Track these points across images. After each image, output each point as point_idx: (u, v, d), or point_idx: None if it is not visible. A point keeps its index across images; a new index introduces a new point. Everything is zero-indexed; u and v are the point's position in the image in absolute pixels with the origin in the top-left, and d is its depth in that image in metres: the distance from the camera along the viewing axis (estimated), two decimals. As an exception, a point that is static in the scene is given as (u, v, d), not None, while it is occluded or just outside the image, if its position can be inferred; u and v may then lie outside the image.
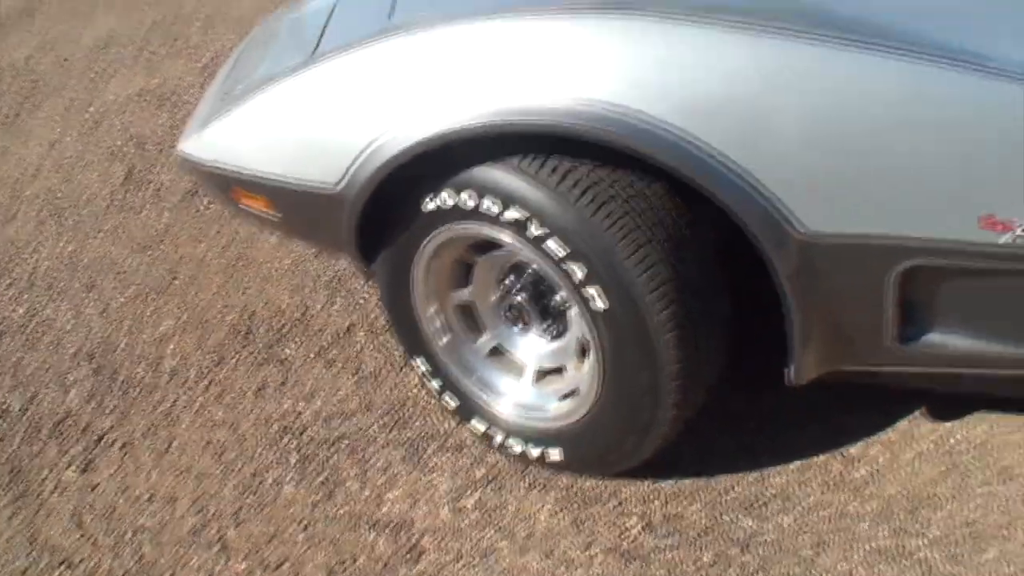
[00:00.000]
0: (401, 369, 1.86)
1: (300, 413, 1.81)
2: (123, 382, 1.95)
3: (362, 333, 1.98)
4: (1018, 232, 1.22)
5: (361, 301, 2.04)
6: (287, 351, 1.95)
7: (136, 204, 2.50)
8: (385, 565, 1.51)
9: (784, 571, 1.46)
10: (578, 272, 1.33)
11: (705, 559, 1.51)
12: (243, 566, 1.56)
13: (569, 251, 1.32)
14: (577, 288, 1.35)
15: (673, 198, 1.32)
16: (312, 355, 1.95)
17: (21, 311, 2.21)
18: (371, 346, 1.94)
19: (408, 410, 1.79)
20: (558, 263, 1.34)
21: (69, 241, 2.42)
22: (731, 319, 1.42)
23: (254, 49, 1.82)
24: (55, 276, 2.30)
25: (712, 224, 1.33)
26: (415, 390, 1.82)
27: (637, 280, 1.30)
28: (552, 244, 1.33)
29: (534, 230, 1.33)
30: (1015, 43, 1.18)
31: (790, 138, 1.20)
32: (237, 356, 1.96)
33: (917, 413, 1.68)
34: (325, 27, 1.65)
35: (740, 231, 1.25)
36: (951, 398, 1.61)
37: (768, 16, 1.21)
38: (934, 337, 1.43)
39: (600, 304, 1.34)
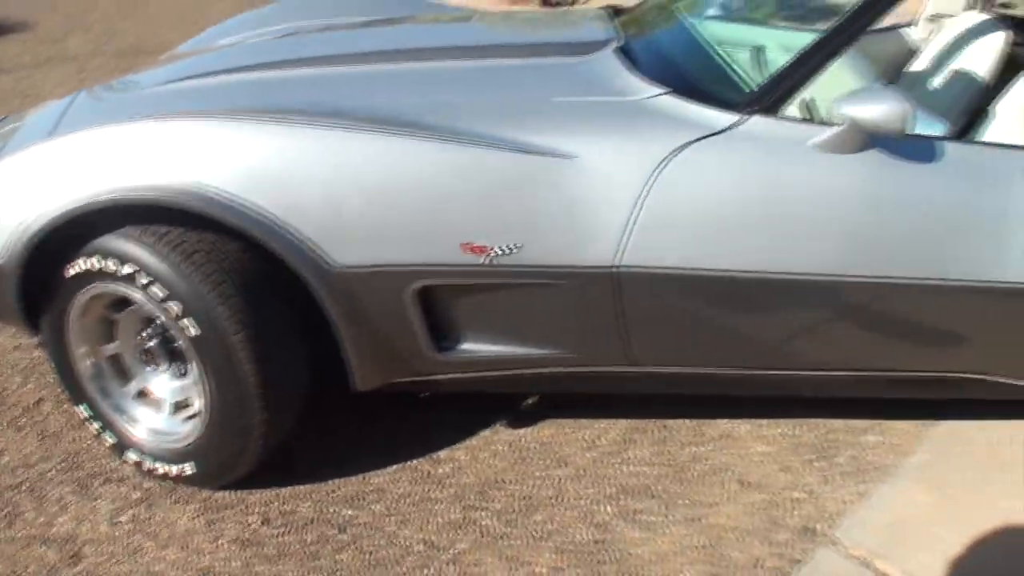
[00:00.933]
0: (80, 426, 2.26)
1: None
2: None
3: (49, 404, 2.38)
4: (494, 254, 1.81)
5: (51, 381, 2.44)
6: None
7: None
8: (51, 568, 1.88)
9: (373, 544, 1.93)
10: (175, 308, 1.82)
11: (309, 539, 1.96)
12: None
13: (168, 293, 1.82)
14: (176, 321, 1.84)
15: (245, 250, 1.84)
16: (4, 424, 2.32)
17: None
18: (56, 413, 2.34)
19: (82, 456, 2.19)
20: (161, 303, 1.83)
21: None
22: (301, 338, 1.91)
23: None
24: None
25: (276, 266, 1.84)
26: (89, 441, 2.23)
27: (217, 310, 1.80)
28: (155, 289, 1.82)
29: (142, 280, 1.82)
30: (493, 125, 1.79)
31: (317, 198, 1.76)
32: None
33: (497, 423, 2.24)
34: (9, 139, 2.13)
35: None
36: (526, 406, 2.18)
37: (298, 114, 1.80)
38: (466, 346, 1.99)
39: (194, 332, 1.83)
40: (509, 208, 1.75)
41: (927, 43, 2.79)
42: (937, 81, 2.59)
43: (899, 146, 1.79)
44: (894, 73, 2.84)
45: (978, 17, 2.64)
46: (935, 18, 2.89)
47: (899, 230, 1.77)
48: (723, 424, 2.29)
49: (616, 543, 1.91)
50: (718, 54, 2.07)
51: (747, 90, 1.87)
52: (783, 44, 2.26)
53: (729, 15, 2.54)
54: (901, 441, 2.26)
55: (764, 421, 2.30)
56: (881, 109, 1.67)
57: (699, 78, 1.96)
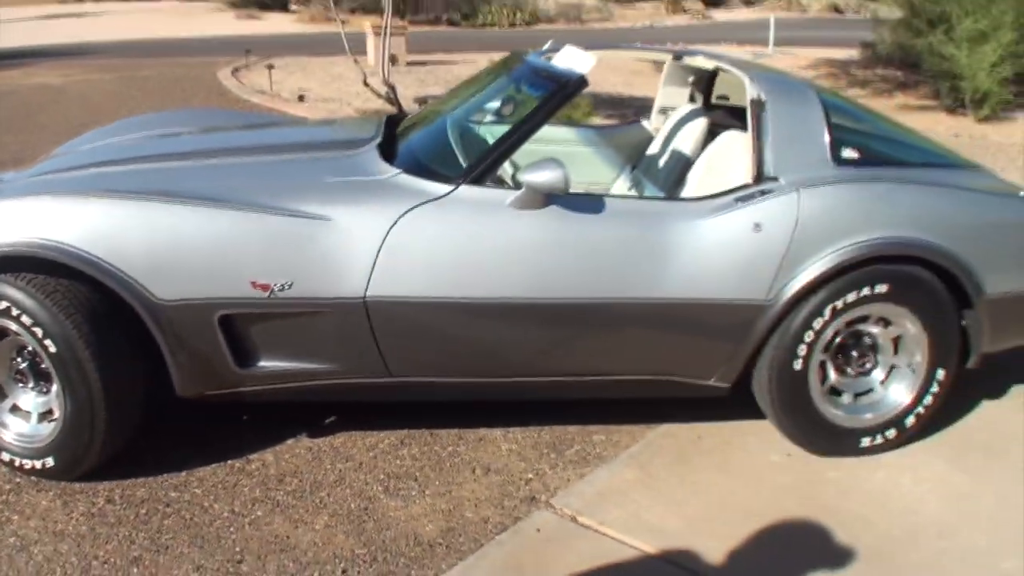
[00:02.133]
0: None
1: None
2: None
3: None
4: (274, 290, 2.59)
5: None
6: None
7: None
8: None
9: (191, 513, 2.59)
10: (39, 332, 2.54)
11: (142, 512, 2.61)
12: None
13: (34, 320, 2.54)
14: (40, 342, 2.57)
15: (93, 290, 2.54)
16: None
17: None
18: None
19: None
20: (28, 328, 2.56)
21: None
22: (136, 355, 2.61)
23: None
24: None
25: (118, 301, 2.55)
26: None
27: (71, 333, 2.52)
28: (25, 318, 2.54)
29: (14, 311, 2.55)
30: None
31: (142, 250, 2.49)
32: None
33: (301, 433, 2.99)
34: None
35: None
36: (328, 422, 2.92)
37: (128, 192, 2.58)
38: (262, 363, 2.72)
39: (53, 349, 2.55)
40: (283, 255, 2.53)
41: (658, 131, 3.72)
42: (662, 158, 3.50)
43: (569, 201, 2.62)
44: (637, 156, 3.76)
45: (690, 107, 3.58)
46: (663, 110, 3.83)
47: (571, 263, 2.59)
48: (481, 431, 3.03)
49: (378, 509, 2.63)
50: (449, 144, 2.92)
51: (458, 167, 2.71)
52: (496, 135, 3.13)
53: (478, 118, 3.42)
54: (622, 439, 3.02)
55: (514, 427, 3.05)
56: (545, 176, 2.52)
57: (429, 161, 2.80)
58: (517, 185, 2.55)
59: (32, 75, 13.36)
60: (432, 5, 26.85)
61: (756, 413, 2.92)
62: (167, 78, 12.59)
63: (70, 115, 9.36)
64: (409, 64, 13.18)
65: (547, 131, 3.60)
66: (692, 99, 3.74)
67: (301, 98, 10.08)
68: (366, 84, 8.41)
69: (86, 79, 12.80)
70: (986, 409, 3.20)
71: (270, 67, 11.45)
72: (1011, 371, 3.44)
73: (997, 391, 3.33)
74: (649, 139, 3.85)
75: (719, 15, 31.00)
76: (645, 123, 4.00)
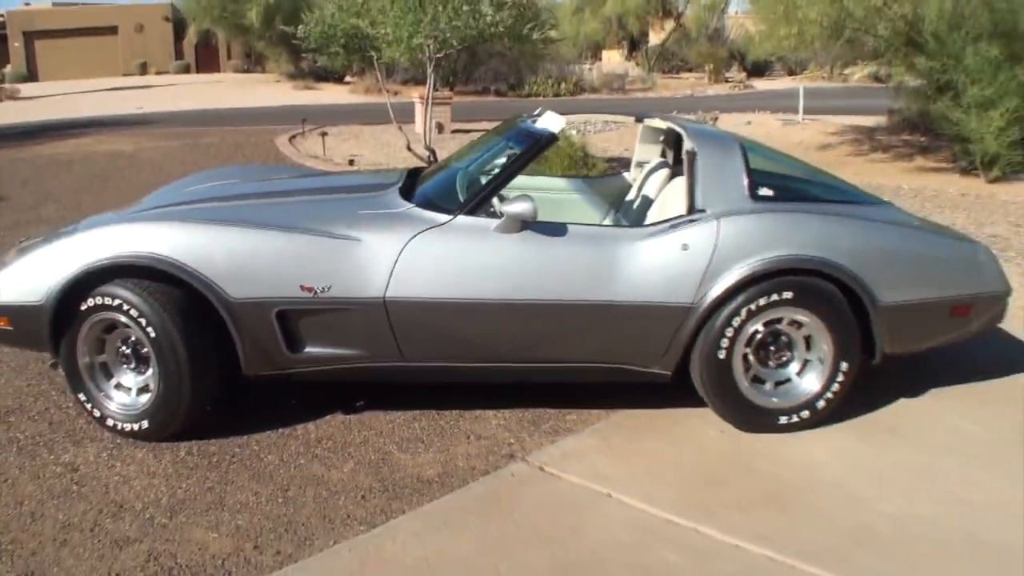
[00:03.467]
0: (78, 408, 3.92)
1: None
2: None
3: (55, 395, 4.07)
4: (318, 291, 3.58)
5: (55, 378, 4.13)
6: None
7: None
8: (64, 477, 3.45)
9: (250, 459, 3.43)
10: (143, 321, 3.53)
11: (213, 460, 3.48)
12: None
13: (139, 313, 3.55)
14: (144, 330, 3.56)
15: (184, 291, 3.46)
16: (30, 412, 4.01)
17: None
18: (64, 403, 4.03)
19: (77, 427, 3.86)
20: (136, 320, 3.55)
21: None
22: (215, 344, 3.54)
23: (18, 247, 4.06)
24: None
25: (201, 299, 3.50)
26: (85, 418, 3.90)
27: (167, 323, 3.50)
28: (133, 312, 3.54)
29: (125, 307, 3.55)
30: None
31: (222, 260, 3.40)
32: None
33: (337, 410, 3.86)
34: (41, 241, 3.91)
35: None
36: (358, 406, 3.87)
37: (216, 219, 3.58)
38: (309, 349, 3.69)
39: (153, 335, 3.54)
40: (325, 266, 3.48)
41: (635, 181, 4.69)
42: (635, 202, 4.44)
43: (539, 227, 3.55)
44: (619, 201, 4.72)
45: (659, 160, 4.54)
46: (640, 164, 4.79)
47: (543, 272, 3.50)
48: (477, 411, 3.90)
49: (392, 460, 3.49)
50: (453, 185, 3.90)
51: (458, 202, 3.69)
52: (488, 178, 4.08)
53: (476, 166, 4.41)
54: (590, 419, 3.87)
55: (503, 409, 3.91)
56: (519, 208, 3.47)
57: (436, 198, 3.75)
58: (500, 215, 3.48)
59: (104, 142, 14.80)
60: (481, 77, 28.38)
61: (702, 402, 3.74)
62: (228, 144, 13.89)
63: (142, 178, 10.60)
64: (454, 132, 14.38)
65: (550, 182, 4.62)
66: (663, 155, 4.68)
67: (351, 162, 11.24)
68: (409, 149, 9.52)
69: (154, 146, 14.17)
70: (901, 402, 3.96)
71: (324, 134, 12.68)
72: (927, 369, 4.23)
73: (915, 387, 4.11)
74: (628, 187, 4.81)
75: (761, 84, 31.97)
76: (626, 174, 4.97)
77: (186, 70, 45.38)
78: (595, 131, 15.02)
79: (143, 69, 44.45)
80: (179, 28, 44.49)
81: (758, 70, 36.92)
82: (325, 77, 32.87)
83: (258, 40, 34.94)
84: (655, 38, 41.28)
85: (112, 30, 45.85)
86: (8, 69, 40.98)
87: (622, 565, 2.73)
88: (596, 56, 42.64)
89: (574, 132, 12.30)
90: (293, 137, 14.76)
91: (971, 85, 10.34)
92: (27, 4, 48.23)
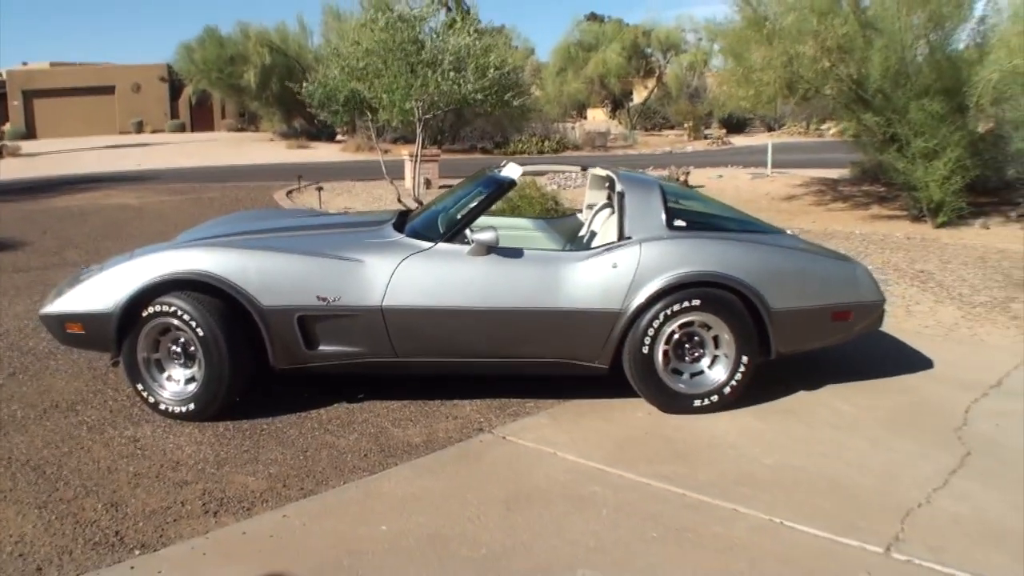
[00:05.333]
0: (134, 397, 5.02)
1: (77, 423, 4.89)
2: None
3: (110, 390, 5.17)
4: (330, 300, 4.71)
5: (107, 379, 5.23)
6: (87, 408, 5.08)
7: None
8: (123, 450, 4.58)
9: (277, 433, 4.44)
10: (193, 324, 4.60)
11: (246, 433, 4.60)
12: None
13: (190, 317, 4.63)
14: (194, 331, 4.66)
15: (225, 300, 4.51)
16: (97, 403, 5.10)
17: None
18: (119, 397, 5.13)
19: (134, 410, 4.96)
20: (187, 323, 4.66)
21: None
22: (249, 342, 4.59)
23: (78, 274, 5.19)
24: None
25: (239, 307, 4.61)
26: (139, 404, 5.00)
27: (213, 325, 4.57)
28: (186, 316, 4.60)
29: (179, 312, 4.65)
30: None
31: (255, 275, 4.45)
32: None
33: (343, 400, 4.90)
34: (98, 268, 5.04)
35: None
36: (360, 396, 4.99)
37: (248, 246, 4.66)
38: (322, 347, 4.80)
39: (202, 334, 4.64)
40: (336, 281, 4.55)
41: (586, 219, 5.87)
42: (585, 236, 5.59)
43: (501, 251, 4.65)
44: (574, 236, 5.89)
45: (604, 202, 5.70)
46: (590, 206, 5.96)
47: (504, 286, 4.58)
48: (455, 400, 4.92)
49: (387, 433, 4.54)
50: (435, 220, 5.05)
51: (439, 232, 4.85)
52: (461, 214, 5.24)
53: (452, 205, 5.56)
54: (544, 405, 4.91)
55: (476, 399, 4.99)
56: (485, 236, 4.61)
57: (422, 229, 4.85)
58: (471, 242, 4.63)
59: (111, 196, 15.97)
60: (468, 136, 29.82)
61: (635, 393, 4.76)
62: (229, 198, 15.06)
63: (152, 228, 11.73)
64: (441, 187, 15.62)
65: (521, 222, 5.78)
66: (609, 198, 5.86)
67: (346, 212, 12.40)
68: (400, 202, 10.70)
69: (159, 200, 15.35)
70: (799, 393, 4.98)
71: (319, 189, 13.88)
72: (827, 369, 5.29)
73: (814, 382, 5.14)
74: (581, 225, 5.99)
75: (739, 140, 33.43)
76: (579, 215, 6.15)
77: (181, 129, 46.88)
78: (574, 186, 16.26)
79: (139, 127, 45.94)
80: (175, 88, 46.10)
81: (737, 127, 38.51)
82: (317, 136, 34.33)
83: (253, 100, 36.45)
84: (638, 96, 43.02)
85: (109, 89, 47.42)
86: (7, 127, 42.39)
87: (560, 495, 3.78)
88: (581, 114, 44.36)
89: (555, 187, 13.54)
90: (290, 192, 15.96)
91: (915, 138, 11.38)
92: (25, 64, 49.80)
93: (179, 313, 4.39)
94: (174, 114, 47.66)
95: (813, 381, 5.15)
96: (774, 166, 18.31)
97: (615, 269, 4.48)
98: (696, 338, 4.67)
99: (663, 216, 4.67)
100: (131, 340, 4.58)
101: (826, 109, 13.68)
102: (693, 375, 4.70)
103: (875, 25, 11.09)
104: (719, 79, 13.75)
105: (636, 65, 39.76)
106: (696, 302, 4.50)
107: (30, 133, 43.19)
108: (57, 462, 4.09)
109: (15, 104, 45.05)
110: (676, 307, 4.50)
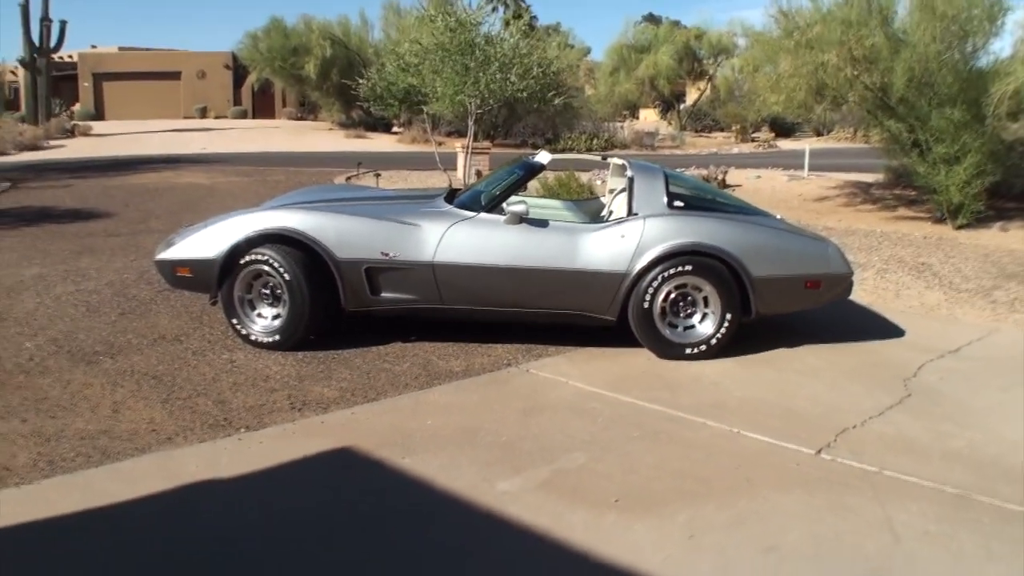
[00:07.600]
0: (229, 330, 6.28)
1: (183, 355, 6.17)
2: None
3: (207, 323, 6.44)
4: (391, 256, 5.91)
5: (203, 319, 6.51)
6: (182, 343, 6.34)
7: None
8: (221, 371, 5.84)
9: (341, 364, 5.54)
10: (282, 270, 5.78)
11: (320, 360, 5.80)
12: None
13: (279, 264, 5.81)
14: (282, 276, 5.83)
15: (307, 252, 5.66)
16: (199, 335, 6.39)
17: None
18: (215, 333, 6.40)
19: (230, 342, 6.22)
20: (277, 269, 5.87)
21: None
22: (326, 287, 5.70)
23: (186, 228, 6.47)
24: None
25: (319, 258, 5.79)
26: (232, 336, 6.27)
27: (297, 272, 5.70)
28: (275, 264, 5.76)
29: (270, 261, 5.85)
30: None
31: (332, 232, 5.58)
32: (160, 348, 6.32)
33: (399, 339, 6.08)
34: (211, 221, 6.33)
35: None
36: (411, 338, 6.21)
37: (328, 209, 5.87)
38: (384, 294, 5.96)
39: (288, 278, 5.82)
40: (396, 240, 5.65)
41: (608, 202, 7.03)
42: (604, 214, 6.74)
43: (531, 221, 5.78)
44: (594, 216, 7.06)
45: (622, 187, 6.82)
46: (612, 190, 7.12)
47: (532, 249, 5.66)
48: (490, 343, 6.05)
49: (434, 363, 5.69)
50: (478, 195, 6.21)
51: (481, 205, 6.03)
52: (501, 190, 6.43)
53: (494, 183, 6.76)
54: (564, 350, 6.05)
55: (506, 343, 6.14)
56: (516, 208, 5.78)
57: (467, 203, 5.95)
58: (506, 213, 5.78)
59: (181, 176, 17.37)
60: (520, 131, 30.97)
61: (639, 344, 5.80)
62: (293, 181, 16.32)
63: (225, 204, 12.97)
64: (488, 175, 16.78)
65: (550, 202, 6.91)
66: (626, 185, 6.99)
67: (400, 195, 13.65)
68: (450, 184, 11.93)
69: (227, 180, 16.70)
70: (779, 349, 5.98)
71: (377, 175, 15.13)
72: (807, 332, 6.29)
73: (794, 342, 6.12)
74: (603, 206, 7.16)
75: (787, 144, 34.08)
76: (602, 198, 7.32)
77: (243, 115, 48.63)
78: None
79: (203, 113, 47.80)
80: (238, 75, 47.90)
81: (786, 131, 39.12)
82: (374, 127, 35.65)
83: (313, 90, 37.96)
84: (691, 98, 43.85)
85: (175, 75, 49.38)
86: (77, 107, 44.51)
87: (566, 408, 4.90)
88: (634, 114, 45.24)
89: (599, 181, 14.60)
90: (349, 178, 17.23)
91: (936, 144, 12.04)
92: (94, 47, 51.99)
93: (270, 261, 5.58)
94: (237, 101, 49.42)
95: (793, 342, 6.13)
96: (814, 169, 19.12)
97: (623, 239, 5.60)
98: (688, 297, 5.74)
99: (664, 198, 5.78)
100: (229, 283, 5.73)
101: (857, 115, 14.43)
102: (685, 328, 5.77)
103: (901, 37, 11.82)
104: (755, 84, 14.67)
105: (687, 68, 40.58)
106: (688, 267, 5.60)
107: (98, 114, 45.22)
108: (171, 374, 5.21)
109: (85, 86, 47.16)
110: (671, 271, 5.60)
